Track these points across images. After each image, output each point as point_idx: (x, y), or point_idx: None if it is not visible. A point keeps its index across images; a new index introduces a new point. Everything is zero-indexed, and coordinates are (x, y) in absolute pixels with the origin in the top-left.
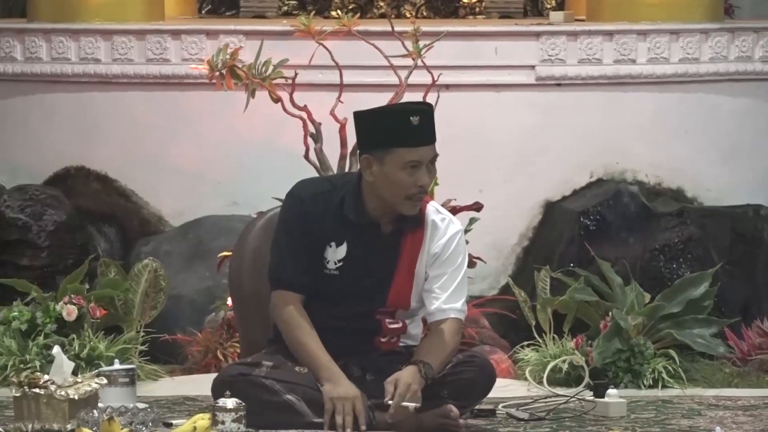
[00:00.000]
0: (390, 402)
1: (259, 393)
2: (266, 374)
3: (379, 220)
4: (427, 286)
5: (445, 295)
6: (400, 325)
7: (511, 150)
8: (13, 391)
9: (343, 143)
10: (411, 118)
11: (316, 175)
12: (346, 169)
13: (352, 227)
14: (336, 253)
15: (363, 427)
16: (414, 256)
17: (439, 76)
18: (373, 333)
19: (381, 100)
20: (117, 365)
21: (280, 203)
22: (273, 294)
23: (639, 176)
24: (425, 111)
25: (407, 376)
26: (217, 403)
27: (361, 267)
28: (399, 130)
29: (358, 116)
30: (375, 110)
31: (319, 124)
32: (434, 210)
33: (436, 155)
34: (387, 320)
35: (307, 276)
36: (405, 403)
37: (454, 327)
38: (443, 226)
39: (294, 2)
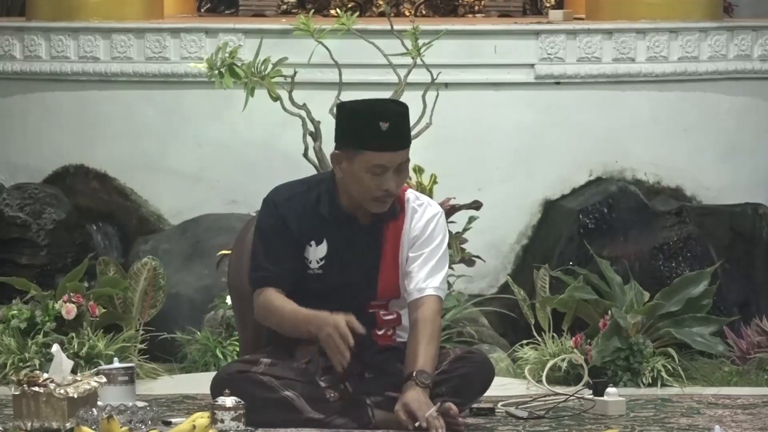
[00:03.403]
0: (423, 423)
1: (258, 390)
2: (264, 371)
3: (356, 213)
4: (407, 267)
5: (423, 273)
6: (394, 316)
7: (510, 148)
8: (13, 389)
9: None
10: (380, 123)
11: (315, 173)
12: None
13: (330, 224)
14: (317, 252)
15: (351, 341)
16: (396, 243)
17: (438, 74)
18: (369, 327)
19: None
20: (116, 364)
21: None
22: (255, 295)
23: (638, 175)
24: (396, 116)
25: (412, 398)
26: (216, 401)
27: (345, 262)
28: (367, 134)
29: (339, 109)
30: (351, 107)
31: (318, 122)
32: (413, 197)
33: (406, 160)
34: (381, 312)
35: (287, 273)
36: (430, 412)
37: (434, 308)
38: (421, 210)
39: (293, 1)
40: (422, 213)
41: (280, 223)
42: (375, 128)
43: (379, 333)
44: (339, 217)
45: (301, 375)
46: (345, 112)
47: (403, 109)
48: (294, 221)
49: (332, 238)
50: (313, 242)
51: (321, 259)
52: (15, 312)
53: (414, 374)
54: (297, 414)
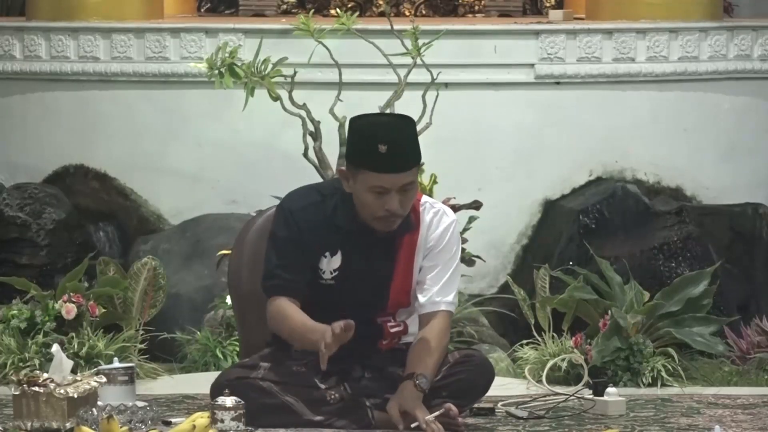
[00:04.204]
0: (423, 426)
1: (258, 396)
2: (263, 376)
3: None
4: (420, 277)
5: (437, 287)
6: (401, 327)
7: (510, 148)
8: (13, 389)
9: (343, 142)
10: (379, 145)
11: (315, 174)
12: None
13: (345, 235)
14: (331, 263)
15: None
16: (411, 254)
17: (438, 74)
18: (375, 337)
19: (380, 98)
20: (116, 363)
21: (279, 201)
22: (268, 303)
23: (638, 175)
24: (397, 138)
25: (409, 399)
26: (216, 401)
27: (358, 274)
28: (366, 155)
29: (348, 124)
30: (355, 125)
31: (318, 122)
32: (429, 205)
33: (410, 182)
34: (389, 324)
35: (301, 282)
36: (430, 417)
37: (445, 323)
38: (437, 219)
39: (293, 1)
40: (438, 222)
41: (295, 233)
42: (374, 150)
43: (385, 342)
44: (355, 229)
45: (300, 378)
46: (350, 130)
47: (407, 129)
48: (310, 231)
49: (347, 249)
50: (327, 253)
51: (334, 270)
52: (15, 312)
53: (414, 375)
54: (297, 417)
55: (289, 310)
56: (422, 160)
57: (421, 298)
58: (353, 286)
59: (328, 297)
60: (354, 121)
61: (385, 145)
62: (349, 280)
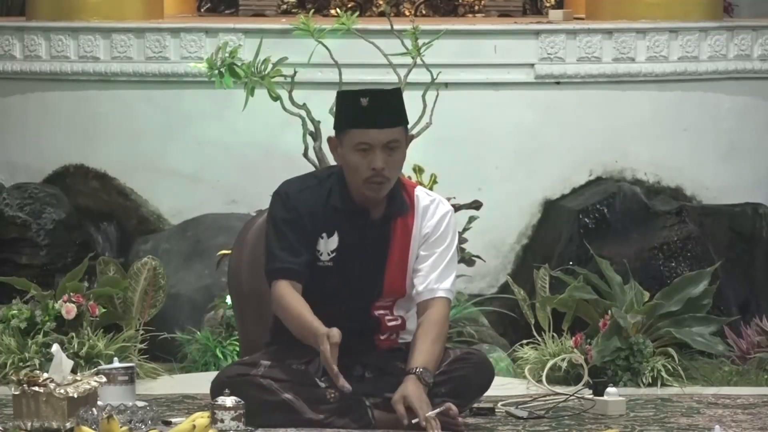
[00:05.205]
0: (423, 423)
1: (258, 393)
2: (264, 373)
3: (367, 207)
4: (416, 265)
5: (435, 275)
6: (399, 322)
7: (510, 148)
8: (13, 389)
9: None
10: (361, 99)
11: (321, 168)
12: None
13: (341, 216)
14: (328, 244)
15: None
16: (406, 241)
17: (438, 74)
18: (373, 332)
19: None
20: (116, 363)
21: (275, 189)
22: (271, 288)
23: (638, 174)
24: (379, 94)
25: (413, 394)
26: (216, 401)
27: (354, 255)
28: (350, 112)
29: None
30: (341, 91)
31: (318, 122)
32: (423, 194)
33: (395, 140)
34: (387, 317)
35: (303, 264)
36: (431, 413)
37: (444, 310)
38: (433, 207)
39: (293, 1)
40: (434, 210)
41: (293, 215)
42: (356, 105)
43: (382, 338)
44: (350, 210)
45: (300, 376)
46: (337, 96)
47: (391, 91)
48: (307, 213)
49: (343, 231)
50: (324, 234)
51: (332, 252)
52: (15, 312)
53: (418, 370)
54: (297, 416)
55: (286, 298)
56: (410, 126)
57: (419, 286)
58: (350, 268)
59: (326, 281)
60: (340, 91)
61: (366, 98)
62: (346, 262)
